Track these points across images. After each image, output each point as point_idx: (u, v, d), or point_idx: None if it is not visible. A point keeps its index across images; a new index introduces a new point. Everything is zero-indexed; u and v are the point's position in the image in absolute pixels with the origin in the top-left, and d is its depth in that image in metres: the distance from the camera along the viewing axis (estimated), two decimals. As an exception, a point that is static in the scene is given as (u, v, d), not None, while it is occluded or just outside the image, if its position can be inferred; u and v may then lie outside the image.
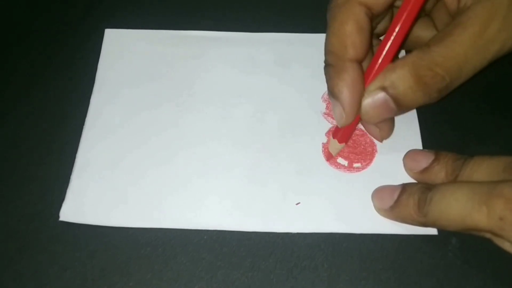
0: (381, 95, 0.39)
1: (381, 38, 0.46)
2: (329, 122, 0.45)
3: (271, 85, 0.47)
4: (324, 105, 0.46)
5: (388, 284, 0.39)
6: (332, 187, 0.42)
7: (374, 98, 0.39)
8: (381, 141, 0.44)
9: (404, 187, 0.40)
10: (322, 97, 0.46)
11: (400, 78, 0.38)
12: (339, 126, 0.42)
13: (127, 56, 0.49)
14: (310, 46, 0.49)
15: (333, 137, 0.43)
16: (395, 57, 0.39)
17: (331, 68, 0.40)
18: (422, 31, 0.45)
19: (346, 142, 0.43)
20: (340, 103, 0.40)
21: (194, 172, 0.43)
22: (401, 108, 0.40)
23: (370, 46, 0.41)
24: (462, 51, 0.37)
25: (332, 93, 0.40)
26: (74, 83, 0.48)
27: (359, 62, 0.40)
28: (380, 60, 0.39)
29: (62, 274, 0.39)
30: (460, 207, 0.36)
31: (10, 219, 0.41)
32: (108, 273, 0.39)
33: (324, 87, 0.46)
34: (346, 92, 0.39)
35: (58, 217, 0.41)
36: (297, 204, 0.41)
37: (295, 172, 0.43)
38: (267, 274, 0.39)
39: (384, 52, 0.39)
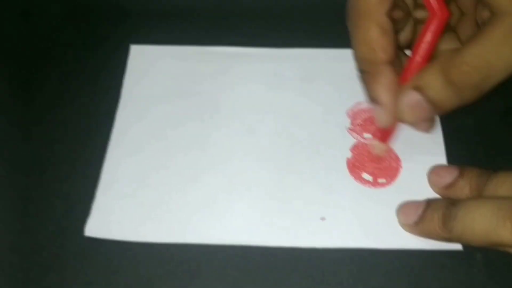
0: (414, 95, 0.39)
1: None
2: (353, 137, 0.45)
3: (296, 100, 0.47)
4: (349, 120, 0.46)
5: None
6: (357, 203, 0.42)
7: (408, 98, 0.40)
8: (428, 132, 0.44)
9: (429, 202, 0.40)
10: (346, 112, 0.46)
11: (431, 77, 0.39)
12: (382, 127, 0.42)
13: (153, 73, 0.49)
14: (335, 61, 0.49)
15: (375, 138, 0.44)
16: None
17: (366, 75, 0.41)
18: (447, 45, 0.45)
19: (388, 142, 0.44)
20: (381, 106, 0.41)
21: (220, 187, 0.43)
22: (436, 108, 0.40)
23: (397, 45, 0.41)
24: (491, 48, 0.37)
25: (372, 97, 0.41)
26: (99, 98, 0.48)
27: (391, 63, 0.40)
28: (415, 62, 0.40)
29: (86, 290, 0.39)
30: (485, 223, 0.36)
31: (35, 235, 0.41)
32: (133, 289, 0.39)
33: (348, 103, 0.47)
34: (385, 94, 0.40)
35: (83, 233, 0.41)
36: (322, 219, 0.41)
37: (320, 187, 0.43)
38: (292, 290, 0.39)
39: (418, 54, 0.39)
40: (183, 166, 0.44)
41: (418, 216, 0.40)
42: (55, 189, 0.43)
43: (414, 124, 0.43)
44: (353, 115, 0.46)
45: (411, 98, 0.39)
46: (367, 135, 0.45)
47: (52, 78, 0.50)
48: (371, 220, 0.41)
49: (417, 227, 0.40)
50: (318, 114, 0.47)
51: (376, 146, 0.44)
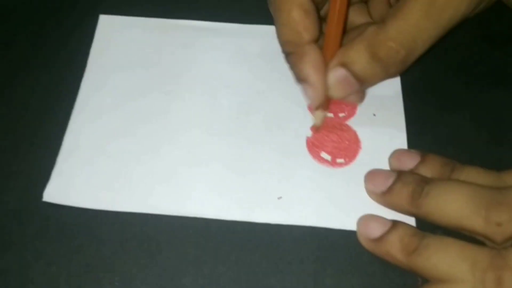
0: (341, 71, 0.41)
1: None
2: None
3: (258, 77, 0.48)
4: (310, 99, 0.46)
5: (374, 277, 0.39)
6: (315, 181, 0.42)
7: (335, 75, 0.41)
8: (359, 103, 0.46)
9: (400, 175, 0.40)
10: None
11: (357, 54, 0.40)
12: (314, 108, 0.43)
13: (120, 43, 0.50)
14: None
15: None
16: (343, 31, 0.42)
17: (292, 56, 0.42)
18: (357, 18, 0.47)
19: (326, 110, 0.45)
20: (310, 85, 0.42)
21: (179, 160, 0.43)
22: (363, 83, 0.41)
23: (320, 24, 0.42)
24: (414, 21, 0.38)
25: (300, 78, 0.42)
26: (66, 66, 0.48)
27: (316, 42, 0.41)
28: (330, 33, 0.41)
29: (47, 269, 0.39)
30: (459, 207, 0.36)
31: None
32: (93, 268, 0.39)
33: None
34: (313, 73, 0.41)
35: (43, 213, 0.41)
36: (278, 198, 0.41)
37: (279, 164, 0.43)
38: (253, 268, 0.39)
39: (332, 29, 0.41)
40: (144, 136, 0.44)
41: (386, 187, 0.40)
42: (14, 167, 0.43)
43: (344, 98, 0.43)
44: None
45: (338, 74, 0.41)
46: (328, 114, 0.45)
47: (19, 45, 0.50)
48: (327, 200, 0.42)
49: (384, 197, 0.40)
50: (280, 92, 0.47)
51: (316, 115, 0.44)
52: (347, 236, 0.40)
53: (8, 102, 0.46)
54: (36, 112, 0.46)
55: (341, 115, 0.45)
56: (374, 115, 0.45)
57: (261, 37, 0.50)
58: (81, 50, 0.49)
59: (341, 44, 0.42)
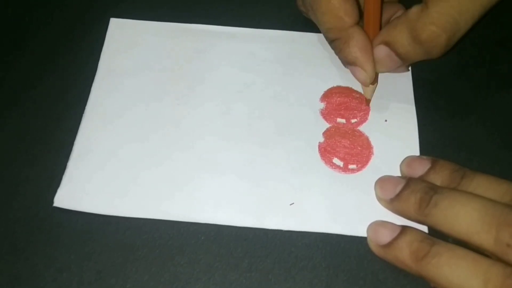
0: (385, 49, 0.42)
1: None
2: (326, 122, 0.45)
3: (270, 82, 0.47)
4: (322, 105, 0.46)
5: (386, 283, 0.39)
6: (326, 187, 0.42)
7: (379, 52, 0.43)
8: (406, 71, 0.47)
9: (409, 182, 0.40)
10: (320, 97, 0.46)
11: (399, 35, 0.41)
12: (366, 86, 0.45)
13: (131, 47, 0.49)
14: (311, 45, 0.49)
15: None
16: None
17: (337, 42, 0.43)
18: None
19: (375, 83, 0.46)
20: (360, 66, 0.43)
21: (191, 165, 0.43)
22: (405, 61, 0.43)
23: (358, 6, 0.43)
24: (456, 3, 0.39)
25: (348, 61, 0.44)
26: (77, 71, 0.48)
27: (358, 24, 0.43)
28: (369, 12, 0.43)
29: (58, 276, 0.38)
30: (469, 223, 0.36)
31: (5, 221, 0.41)
32: (104, 275, 0.38)
33: (322, 87, 0.47)
34: (360, 55, 0.43)
35: (53, 218, 0.40)
36: (291, 204, 0.41)
37: (291, 170, 0.43)
38: (265, 274, 0.39)
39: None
40: (155, 141, 0.44)
41: (395, 193, 0.40)
42: (28, 160, 0.43)
43: (389, 72, 0.45)
44: (327, 99, 0.46)
45: (382, 52, 0.43)
46: (340, 120, 0.45)
47: (30, 50, 0.49)
48: (339, 206, 0.41)
49: (392, 204, 0.40)
50: (292, 97, 0.47)
51: (366, 90, 0.46)
52: (359, 242, 0.40)
53: (18, 107, 0.46)
54: (47, 117, 0.46)
55: (353, 121, 0.45)
56: (386, 121, 0.45)
57: (274, 42, 0.50)
58: (92, 54, 0.49)
59: (380, 21, 0.44)
